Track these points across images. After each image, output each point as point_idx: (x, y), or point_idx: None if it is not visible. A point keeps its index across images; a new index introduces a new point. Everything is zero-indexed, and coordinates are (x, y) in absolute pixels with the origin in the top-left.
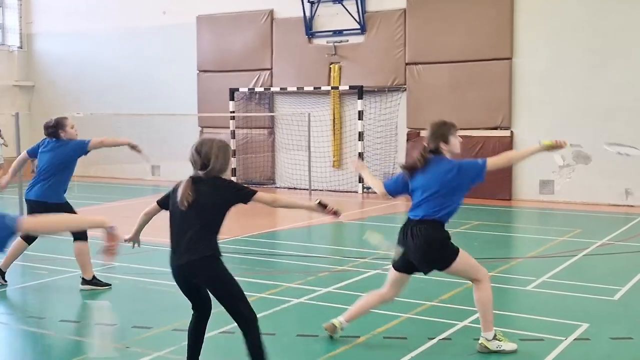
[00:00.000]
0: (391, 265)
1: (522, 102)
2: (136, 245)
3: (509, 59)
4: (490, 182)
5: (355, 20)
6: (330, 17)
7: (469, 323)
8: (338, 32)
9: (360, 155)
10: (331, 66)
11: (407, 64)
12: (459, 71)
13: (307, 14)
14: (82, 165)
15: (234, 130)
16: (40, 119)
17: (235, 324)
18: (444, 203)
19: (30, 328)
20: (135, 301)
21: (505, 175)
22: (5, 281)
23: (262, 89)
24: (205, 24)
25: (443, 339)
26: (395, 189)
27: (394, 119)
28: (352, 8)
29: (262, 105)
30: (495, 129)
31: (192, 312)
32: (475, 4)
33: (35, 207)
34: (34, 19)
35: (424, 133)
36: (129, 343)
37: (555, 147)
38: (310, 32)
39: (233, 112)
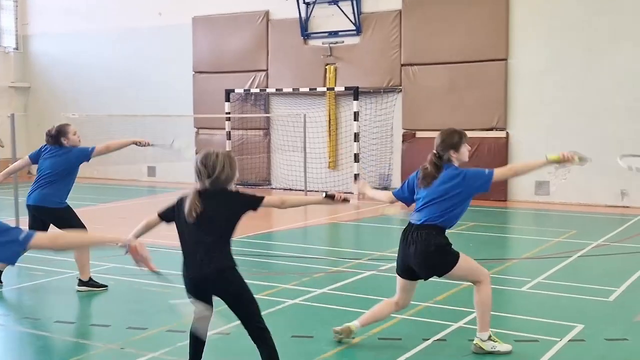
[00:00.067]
0: (395, 272)
1: (517, 103)
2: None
3: (505, 60)
4: None
5: (351, 22)
6: (325, 18)
7: (463, 324)
8: (333, 33)
9: (356, 156)
10: (327, 67)
11: (402, 65)
12: (454, 72)
13: (303, 15)
14: None
15: (229, 132)
16: (36, 120)
17: (230, 325)
18: (446, 209)
19: (26, 329)
20: (131, 302)
21: None
22: (1, 282)
23: (257, 90)
24: (201, 25)
25: (438, 340)
26: (402, 195)
27: (389, 120)
28: (348, 9)
29: (257, 106)
30: (491, 129)
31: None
32: (470, 5)
33: (36, 212)
34: (30, 20)
35: (420, 134)
36: (124, 344)
37: (562, 161)
38: (305, 33)
39: (229, 113)
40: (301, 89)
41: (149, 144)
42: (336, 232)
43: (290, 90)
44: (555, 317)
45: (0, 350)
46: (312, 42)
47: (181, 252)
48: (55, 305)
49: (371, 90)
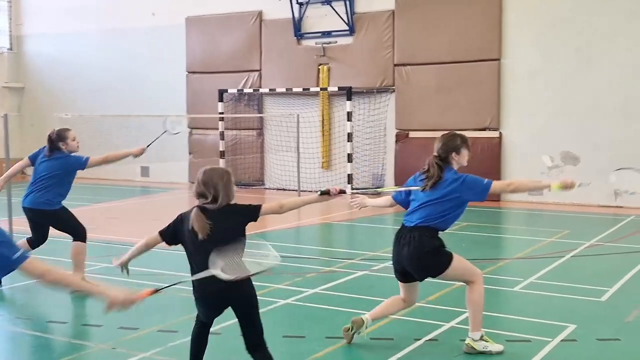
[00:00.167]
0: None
1: (510, 103)
2: (124, 271)
3: (498, 60)
4: None
5: (344, 22)
6: (319, 19)
7: (455, 324)
8: (327, 34)
9: (349, 156)
10: (320, 67)
11: (395, 65)
12: (447, 72)
13: (296, 15)
14: None
15: (222, 132)
16: (29, 120)
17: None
18: (440, 212)
19: (18, 329)
20: None
21: (494, 176)
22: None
23: (251, 90)
24: (194, 26)
25: (430, 339)
26: (401, 198)
27: (382, 120)
28: (341, 9)
29: (251, 106)
30: (484, 129)
31: (194, 320)
32: (463, 6)
33: (32, 215)
34: (24, 20)
35: (413, 134)
36: (115, 344)
37: (565, 188)
38: (299, 33)
39: (222, 113)
40: (294, 89)
41: (143, 150)
42: (329, 232)
43: (284, 90)
44: (547, 317)
45: None
46: (305, 42)
47: (191, 268)
48: (47, 305)
49: (364, 91)
